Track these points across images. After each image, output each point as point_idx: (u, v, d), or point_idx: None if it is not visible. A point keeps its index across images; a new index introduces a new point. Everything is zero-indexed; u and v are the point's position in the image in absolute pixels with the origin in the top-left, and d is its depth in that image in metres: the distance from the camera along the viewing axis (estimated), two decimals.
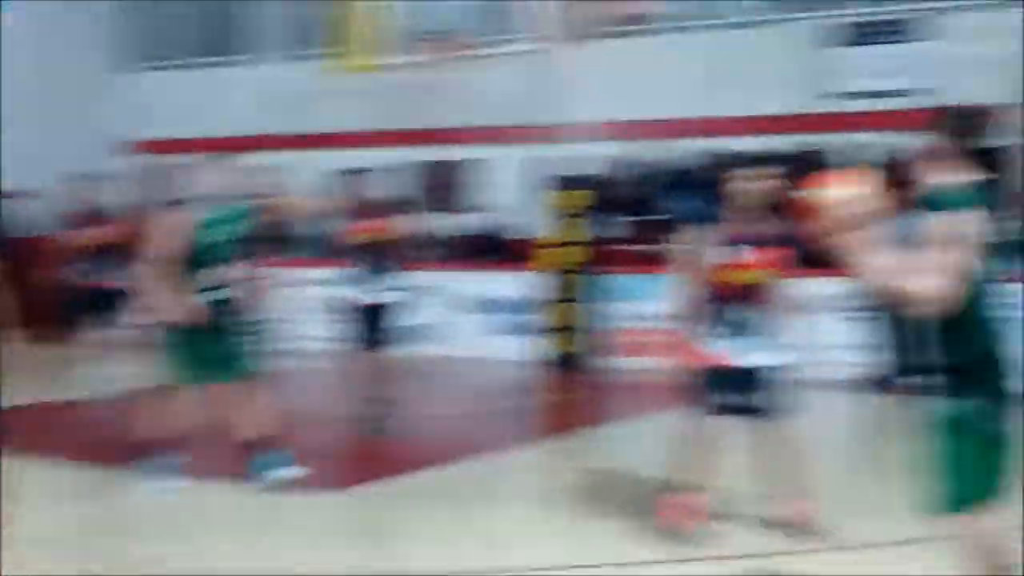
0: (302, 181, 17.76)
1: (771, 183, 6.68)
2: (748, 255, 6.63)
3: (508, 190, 16.83)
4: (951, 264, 4.44)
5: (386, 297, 10.01)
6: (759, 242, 6.64)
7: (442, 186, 17.48)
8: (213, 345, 7.80)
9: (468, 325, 14.50)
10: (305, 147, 18.68)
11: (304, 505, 7.59)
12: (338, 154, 16.19)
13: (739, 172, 6.69)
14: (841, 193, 4.68)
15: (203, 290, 7.84)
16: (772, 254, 6.67)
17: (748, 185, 6.67)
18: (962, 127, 4.87)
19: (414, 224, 13.60)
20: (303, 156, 18.70)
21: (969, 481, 4.57)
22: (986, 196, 4.82)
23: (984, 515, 4.58)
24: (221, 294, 7.90)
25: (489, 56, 15.43)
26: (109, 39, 20.53)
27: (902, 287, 4.44)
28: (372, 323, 9.96)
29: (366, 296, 10.01)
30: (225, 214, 7.96)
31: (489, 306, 14.20)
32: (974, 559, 4.62)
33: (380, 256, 10.00)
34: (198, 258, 7.83)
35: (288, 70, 19.38)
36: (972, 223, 4.54)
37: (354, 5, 17.31)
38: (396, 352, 10.12)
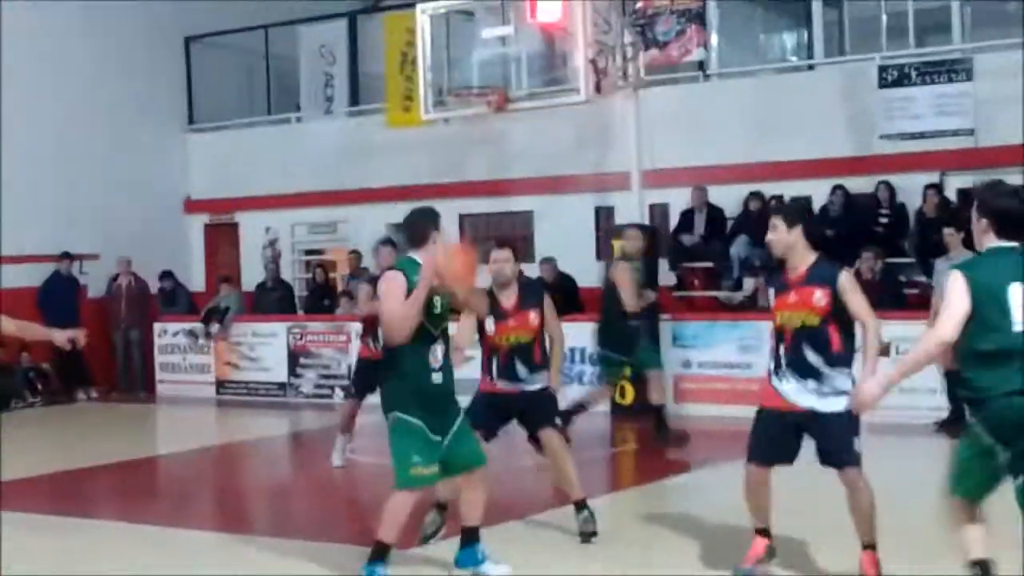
0: (361, 236, 18.15)
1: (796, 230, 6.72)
2: (793, 297, 6.68)
3: (570, 240, 17.13)
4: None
5: None
6: (801, 284, 6.68)
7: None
8: None
9: None
10: (361, 201, 19.04)
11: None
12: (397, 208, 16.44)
13: (773, 219, 6.81)
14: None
15: None
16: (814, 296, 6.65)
17: (773, 233, 6.79)
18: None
19: None
20: (359, 211, 19.11)
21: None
22: None
23: None
24: None
25: (536, 108, 15.68)
26: (169, 101, 20.94)
27: None
28: None
29: None
30: None
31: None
32: None
33: None
34: None
35: (347, 126, 19.75)
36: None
37: (391, 61, 17.69)
38: None
